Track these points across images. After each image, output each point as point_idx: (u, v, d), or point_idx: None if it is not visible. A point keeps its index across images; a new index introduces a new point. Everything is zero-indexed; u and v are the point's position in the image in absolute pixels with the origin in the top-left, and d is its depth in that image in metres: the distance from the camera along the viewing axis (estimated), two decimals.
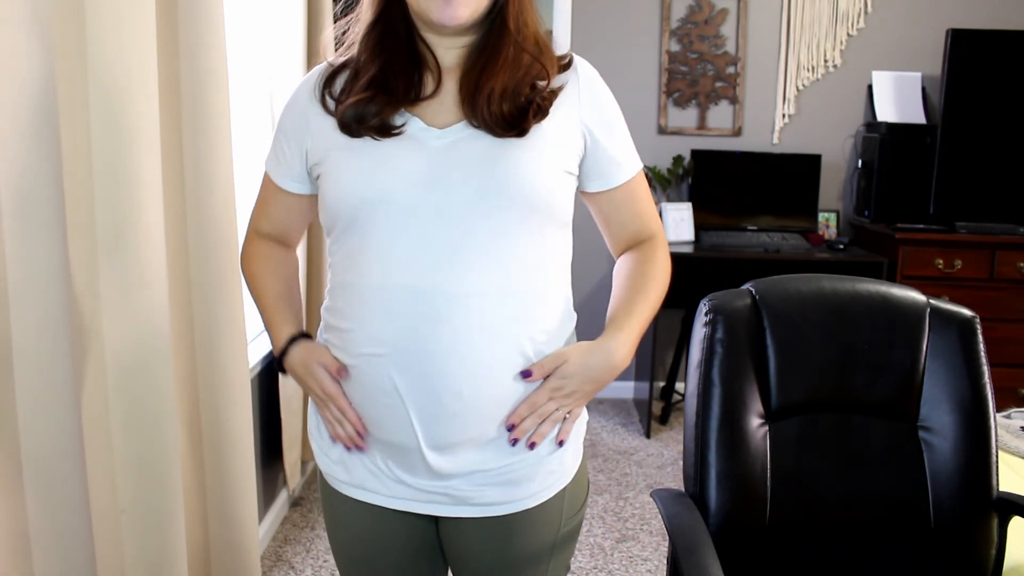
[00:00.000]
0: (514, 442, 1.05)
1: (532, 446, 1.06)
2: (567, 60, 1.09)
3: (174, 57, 1.54)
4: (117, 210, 1.29)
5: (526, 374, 1.03)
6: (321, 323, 1.13)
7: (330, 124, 1.05)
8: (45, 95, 1.05)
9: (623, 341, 1.07)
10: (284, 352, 1.12)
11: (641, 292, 1.12)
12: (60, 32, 1.17)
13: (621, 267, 1.17)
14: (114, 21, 1.25)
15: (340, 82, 1.07)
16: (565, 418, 1.08)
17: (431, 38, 1.06)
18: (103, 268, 1.29)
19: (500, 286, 1.00)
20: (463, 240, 0.99)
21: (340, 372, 1.05)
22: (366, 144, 1.02)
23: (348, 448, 1.09)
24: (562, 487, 1.11)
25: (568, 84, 1.07)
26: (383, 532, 1.14)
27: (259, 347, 2.44)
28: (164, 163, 1.53)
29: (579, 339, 1.11)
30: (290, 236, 1.21)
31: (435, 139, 1.02)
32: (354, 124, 1.01)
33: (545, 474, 1.09)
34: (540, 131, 1.03)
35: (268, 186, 1.17)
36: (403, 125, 1.02)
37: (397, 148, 1.01)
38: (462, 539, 1.13)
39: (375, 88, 1.02)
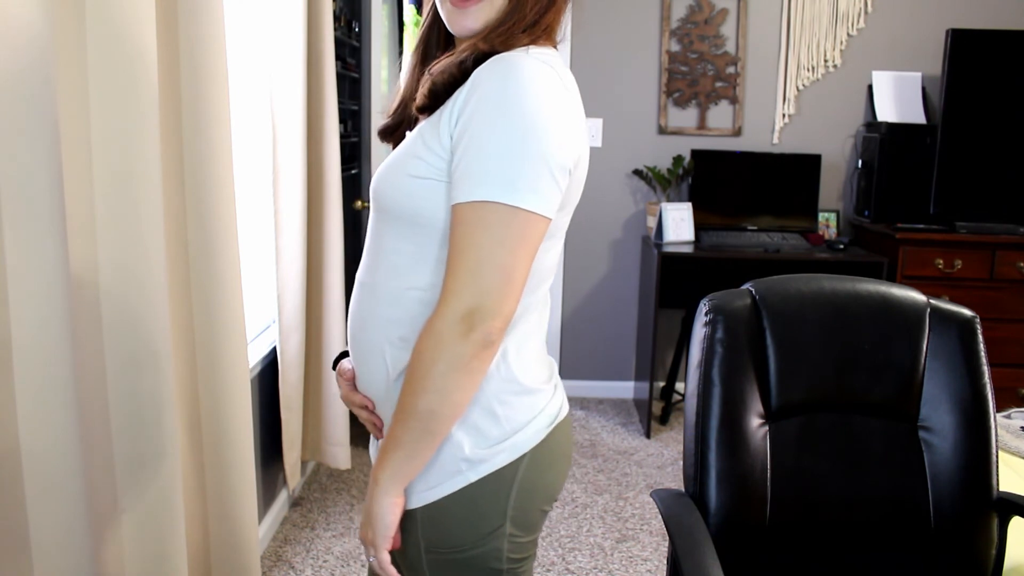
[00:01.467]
0: None
1: None
2: (480, 56, 0.97)
3: (174, 57, 1.54)
4: (117, 210, 1.29)
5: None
6: None
7: None
8: (46, 95, 1.05)
9: (376, 474, 0.99)
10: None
11: (397, 409, 0.97)
12: (60, 32, 1.17)
13: None
14: (115, 21, 1.25)
15: None
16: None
17: (458, 42, 1.09)
18: (103, 267, 1.30)
19: (375, 281, 1.04)
20: (370, 236, 1.07)
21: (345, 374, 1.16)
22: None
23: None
24: (410, 507, 1.02)
25: (466, 82, 0.96)
26: None
27: (259, 347, 2.44)
28: (164, 163, 1.53)
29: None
30: None
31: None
32: (379, 137, 1.17)
33: None
34: (421, 130, 1.00)
35: None
36: (405, 135, 1.12)
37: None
38: None
39: (397, 111, 1.14)
